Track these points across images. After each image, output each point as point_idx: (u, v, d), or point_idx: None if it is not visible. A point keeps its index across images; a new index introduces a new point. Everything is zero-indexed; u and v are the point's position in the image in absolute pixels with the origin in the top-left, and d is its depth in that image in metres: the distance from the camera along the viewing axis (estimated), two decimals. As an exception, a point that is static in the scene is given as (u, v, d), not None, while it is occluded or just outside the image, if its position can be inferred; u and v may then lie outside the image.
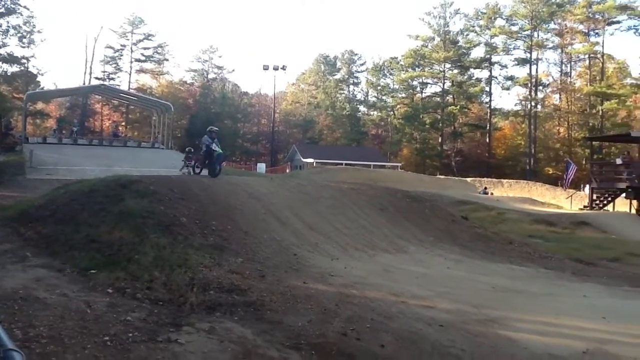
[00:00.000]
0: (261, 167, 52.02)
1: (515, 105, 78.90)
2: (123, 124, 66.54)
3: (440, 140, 76.70)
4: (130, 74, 73.70)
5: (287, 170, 55.52)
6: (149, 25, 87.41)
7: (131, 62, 73.58)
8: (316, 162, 56.32)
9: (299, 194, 13.52)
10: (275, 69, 63.89)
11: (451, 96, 78.02)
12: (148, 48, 74.27)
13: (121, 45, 72.86)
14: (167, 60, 75.81)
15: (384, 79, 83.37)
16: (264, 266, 8.33)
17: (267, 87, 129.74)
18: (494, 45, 75.84)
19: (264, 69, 64.81)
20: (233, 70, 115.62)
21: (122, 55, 73.23)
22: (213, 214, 10.35)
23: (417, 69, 78.91)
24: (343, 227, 11.79)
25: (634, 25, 69.22)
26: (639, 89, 70.50)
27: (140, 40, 73.58)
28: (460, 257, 11.45)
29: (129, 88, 68.26)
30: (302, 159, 60.24)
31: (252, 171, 44.90)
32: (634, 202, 27.42)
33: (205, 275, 7.19)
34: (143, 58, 74.59)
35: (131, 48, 73.31)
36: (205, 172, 15.72)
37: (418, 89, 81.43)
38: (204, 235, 9.12)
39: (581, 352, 5.67)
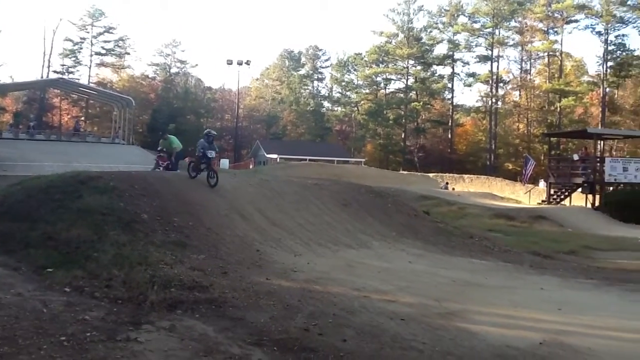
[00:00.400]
0: (224, 162, 51.53)
1: (477, 101, 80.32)
2: (83, 118, 65.01)
3: (403, 136, 77.42)
4: (90, 68, 72.05)
5: (251, 166, 55.20)
6: (110, 17, 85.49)
7: (91, 55, 71.94)
8: (280, 158, 56.16)
9: (262, 189, 13.46)
10: (239, 64, 63.31)
11: (414, 92, 78.80)
12: (109, 41, 72.71)
13: (81, 38, 71.13)
14: (128, 54, 74.46)
15: (348, 75, 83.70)
16: (227, 263, 8.28)
17: (230, 82, 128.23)
18: (457, 42, 76.93)
19: (228, 64, 64.12)
20: (196, 65, 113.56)
21: (81, 49, 71.49)
22: (175, 210, 10.22)
23: (381, 65, 79.42)
24: (306, 223, 11.80)
25: (591, 24, 71.11)
26: (595, 86, 72.58)
27: (100, 33, 71.95)
28: (422, 252, 11.60)
29: (89, 82, 66.72)
30: (265, 155, 59.99)
31: (215, 167, 44.44)
32: (590, 197, 28.18)
33: (166, 272, 7.10)
34: (103, 51, 72.98)
35: (91, 41, 71.65)
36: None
37: (382, 85, 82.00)
38: (165, 232, 9.01)
39: (538, 343, 5.81)
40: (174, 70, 79.16)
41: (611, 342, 6.15)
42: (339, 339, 5.42)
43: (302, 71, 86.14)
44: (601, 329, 6.72)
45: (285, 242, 10.44)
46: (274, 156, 57.69)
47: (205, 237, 9.36)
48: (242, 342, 5.14)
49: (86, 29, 71.15)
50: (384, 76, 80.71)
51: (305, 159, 52.25)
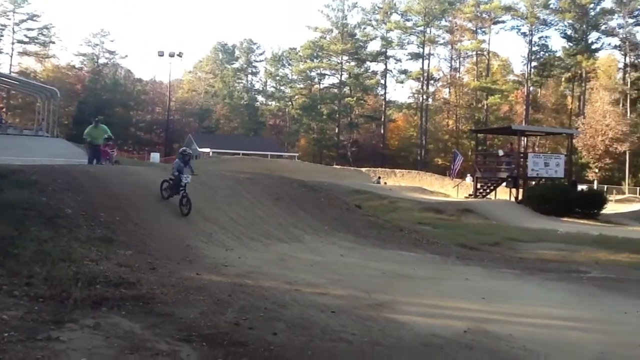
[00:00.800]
0: (155, 156, 50.40)
1: (408, 98, 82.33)
2: (4, 109, 61.88)
3: (337, 130, 78.17)
4: (11, 57, 68.71)
5: (183, 160, 54.14)
6: (34, 4, 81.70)
7: (13, 43, 68.63)
8: (213, 152, 55.46)
9: (194, 183, 13.16)
10: (171, 55, 62.10)
11: (348, 88, 79.71)
12: (32, 29, 69.54)
13: (1, 25, 67.61)
14: (53, 42, 71.56)
15: (283, 69, 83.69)
16: (155, 258, 8.10)
17: (162, 75, 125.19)
18: (390, 39, 78.37)
19: (159, 55, 62.83)
20: (126, 56, 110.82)
21: (2, 36, 68.06)
22: (101, 205, 9.90)
23: (315, 60, 79.81)
24: (238, 217, 11.70)
25: (517, 26, 74.38)
26: (520, 85, 75.86)
27: (23, 21, 68.69)
28: (353, 245, 11.75)
29: (10, 71, 63.52)
30: (198, 149, 59.04)
31: (145, 161, 43.41)
32: (513, 191, 29.36)
33: (91, 269, 6.86)
34: (26, 39, 69.80)
35: (13, 28, 68.28)
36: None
37: (316, 80, 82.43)
38: (90, 228, 8.71)
39: (462, 331, 6.01)
40: (102, 60, 76.72)
41: (530, 328, 6.45)
42: (269, 332, 5.41)
43: (236, 65, 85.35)
44: (521, 316, 7.05)
45: (216, 236, 10.32)
46: (207, 150, 56.91)
47: (132, 233, 9.12)
48: (170, 339, 5.04)
49: (7, 16, 67.82)
50: (318, 71, 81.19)
51: (239, 154, 51.82)
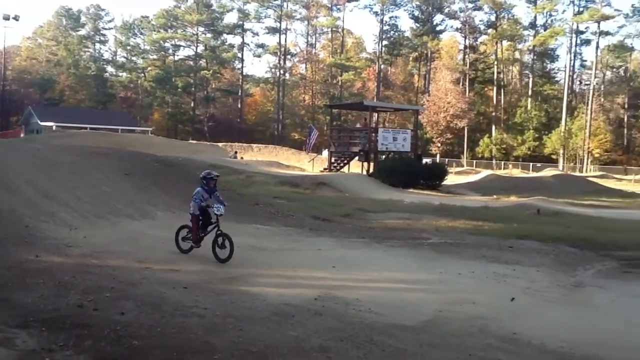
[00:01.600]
0: (-11, 130, 45.81)
1: (266, 72, 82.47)
2: None
3: (192, 104, 76.39)
4: None
5: (22, 135, 49.84)
6: None
7: None
8: (57, 126, 51.58)
9: (33, 159, 12.28)
10: (6, 18, 56.56)
11: (204, 60, 77.98)
12: None
13: None
14: None
15: (134, 39, 79.65)
16: (-12, 241, 7.44)
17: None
18: (247, 12, 77.59)
19: (-9, 18, 56.76)
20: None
21: None
22: None
23: (169, 30, 76.95)
24: (84, 195, 11.04)
25: (369, 4, 77.30)
26: (372, 63, 79.15)
27: None
28: (208, 220, 11.62)
29: None
30: (39, 123, 54.54)
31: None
32: (365, 164, 30.69)
33: None
34: None
35: None
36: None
37: (170, 51, 79.64)
38: None
39: (313, 298, 6.28)
40: None
41: (376, 292, 6.92)
42: (116, 312, 5.25)
43: (82, 32, 79.71)
44: (368, 281, 7.52)
45: (59, 215, 9.68)
46: (50, 124, 52.82)
47: (-40, 214, 8.28)
48: (4, 326, 4.70)
49: None
50: (173, 42, 78.49)
51: (86, 128, 48.70)
